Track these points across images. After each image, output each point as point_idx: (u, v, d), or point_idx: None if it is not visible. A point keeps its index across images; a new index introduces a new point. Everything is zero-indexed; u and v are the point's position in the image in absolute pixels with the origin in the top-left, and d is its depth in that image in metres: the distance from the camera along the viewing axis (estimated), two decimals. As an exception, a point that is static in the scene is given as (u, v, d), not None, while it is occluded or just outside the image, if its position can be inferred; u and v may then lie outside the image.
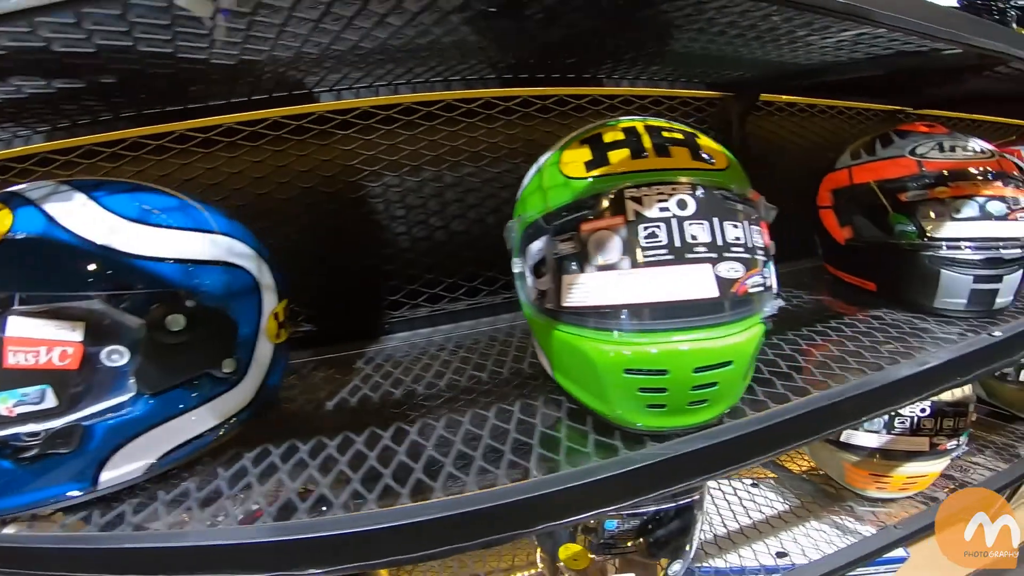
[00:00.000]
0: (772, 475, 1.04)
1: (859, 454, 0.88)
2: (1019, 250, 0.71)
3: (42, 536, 0.42)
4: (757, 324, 0.49)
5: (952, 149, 0.76)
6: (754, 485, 1.01)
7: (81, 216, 0.45)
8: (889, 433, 0.86)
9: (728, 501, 0.97)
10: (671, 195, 0.49)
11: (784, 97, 1.12)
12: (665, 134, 0.54)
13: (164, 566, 0.39)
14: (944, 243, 0.72)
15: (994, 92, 1.09)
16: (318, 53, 0.57)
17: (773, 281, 0.52)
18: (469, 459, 0.48)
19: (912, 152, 0.78)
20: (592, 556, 0.73)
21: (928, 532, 0.64)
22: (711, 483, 0.96)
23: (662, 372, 0.45)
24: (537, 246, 0.53)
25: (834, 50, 0.75)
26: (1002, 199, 0.72)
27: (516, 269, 0.55)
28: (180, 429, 0.48)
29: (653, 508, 0.72)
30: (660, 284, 0.47)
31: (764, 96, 1.07)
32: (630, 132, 0.54)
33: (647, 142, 0.53)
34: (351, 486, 0.45)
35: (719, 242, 0.48)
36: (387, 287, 0.88)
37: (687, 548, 0.76)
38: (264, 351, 0.55)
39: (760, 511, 0.94)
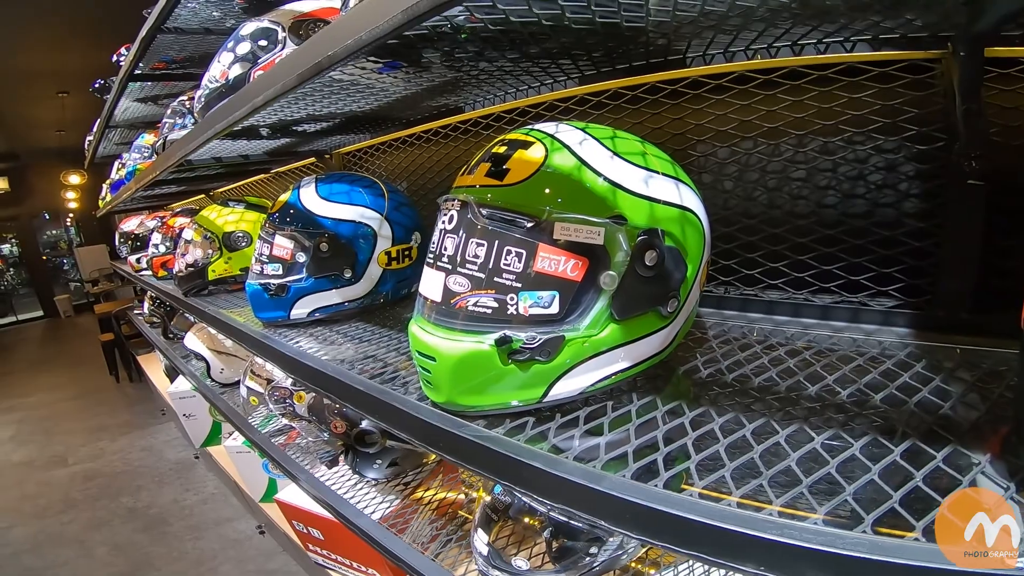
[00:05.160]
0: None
1: None
2: None
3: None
4: (473, 339, 0.53)
5: None
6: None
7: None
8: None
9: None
10: (448, 210, 0.58)
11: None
12: (497, 149, 0.58)
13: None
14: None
15: None
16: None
17: (526, 308, 0.52)
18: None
19: None
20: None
21: None
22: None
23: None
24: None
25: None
26: None
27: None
28: (324, 298, 1.00)
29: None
30: (424, 279, 0.60)
31: (994, 50, 0.54)
32: (493, 145, 0.61)
33: (476, 158, 0.60)
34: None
35: (458, 257, 0.55)
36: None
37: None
38: (374, 271, 1.00)
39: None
